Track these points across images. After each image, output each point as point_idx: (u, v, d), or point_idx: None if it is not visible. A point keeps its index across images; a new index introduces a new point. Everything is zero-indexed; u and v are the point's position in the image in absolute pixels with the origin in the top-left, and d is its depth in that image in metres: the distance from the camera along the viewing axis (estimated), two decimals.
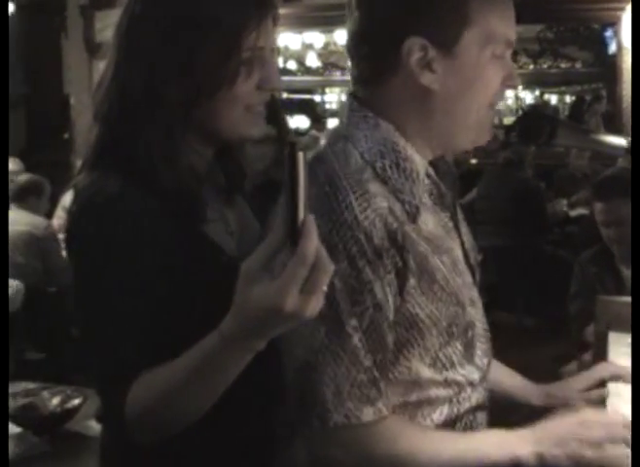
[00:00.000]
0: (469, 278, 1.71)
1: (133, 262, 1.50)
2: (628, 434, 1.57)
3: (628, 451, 1.55)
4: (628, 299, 2.77)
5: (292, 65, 13.81)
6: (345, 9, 1.70)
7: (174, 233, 1.55)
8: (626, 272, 3.76)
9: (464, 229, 1.79)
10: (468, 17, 1.59)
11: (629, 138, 1.77)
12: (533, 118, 1.87)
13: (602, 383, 2.02)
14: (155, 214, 1.55)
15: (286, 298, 1.20)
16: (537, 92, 15.20)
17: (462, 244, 1.74)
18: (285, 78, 11.33)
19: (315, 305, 1.23)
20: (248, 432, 1.68)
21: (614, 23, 10.04)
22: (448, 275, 1.62)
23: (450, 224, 1.71)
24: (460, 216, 1.78)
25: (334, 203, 1.50)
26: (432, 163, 1.69)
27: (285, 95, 12.21)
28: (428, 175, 1.65)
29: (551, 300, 4.76)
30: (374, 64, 1.64)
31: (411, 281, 1.55)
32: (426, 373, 1.64)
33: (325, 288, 1.23)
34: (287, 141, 1.13)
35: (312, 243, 1.18)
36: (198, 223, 1.60)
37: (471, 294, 1.70)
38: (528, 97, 14.77)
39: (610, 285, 3.67)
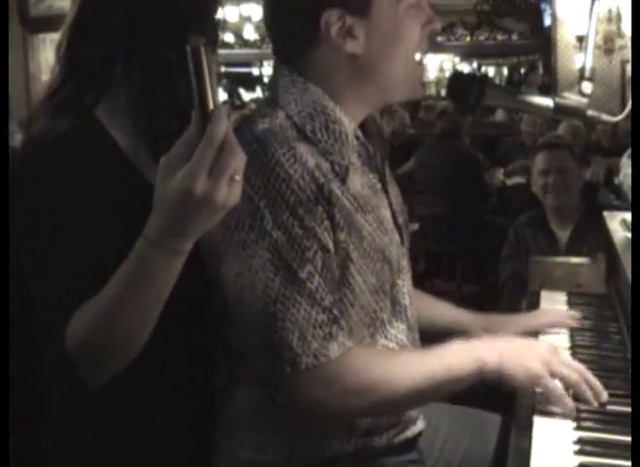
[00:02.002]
0: (396, 238, 1.77)
1: (80, 199, 1.52)
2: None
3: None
4: (561, 258, 2.85)
5: (229, 38, 13.72)
6: None
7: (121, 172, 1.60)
8: (560, 233, 3.85)
9: (393, 191, 1.85)
10: None
11: (557, 98, 1.82)
12: (462, 79, 1.90)
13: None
14: (103, 156, 1.59)
15: (195, 180, 1.24)
16: (474, 64, 15.28)
17: (390, 205, 1.79)
18: (223, 51, 11.24)
19: (227, 191, 1.27)
20: (191, 389, 1.71)
21: None
22: (374, 233, 1.68)
23: (379, 185, 1.77)
24: (389, 178, 1.83)
25: (264, 160, 1.55)
26: (362, 126, 1.74)
27: (223, 69, 12.14)
28: (357, 137, 1.70)
29: (490, 266, 4.83)
30: (297, 38, 1.69)
31: (340, 235, 1.60)
32: (361, 335, 1.70)
33: (239, 177, 1.27)
34: (190, 39, 1.18)
35: (220, 127, 1.23)
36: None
37: (398, 253, 1.76)
38: (465, 69, 14.83)
39: (544, 247, 3.76)
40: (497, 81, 14.34)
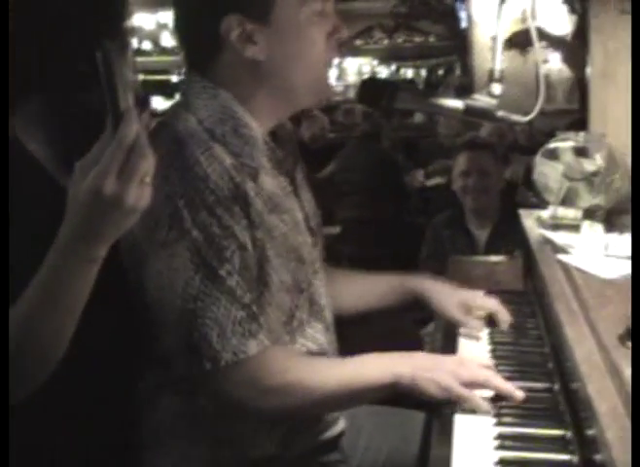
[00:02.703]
0: (309, 240, 1.80)
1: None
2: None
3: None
4: (479, 257, 2.89)
5: (147, 46, 13.63)
6: None
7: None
8: (478, 233, 3.90)
9: (305, 195, 1.88)
10: None
11: (466, 100, 1.85)
12: (373, 83, 1.93)
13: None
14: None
15: (104, 180, 1.24)
16: (393, 67, 15.40)
17: (302, 209, 1.82)
18: (140, 59, 11.17)
19: (137, 193, 1.27)
20: (114, 401, 1.70)
21: None
22: (289, 232, 1.71)
23: (289, 188, 1.80)
24: (302, 182, 1.87)
25: (183, 160, 1.58)
26: (273, 132, 1.77)
27: (142, 76, 12.05)
28: (266, 142, 1.72)
29: (412, 267, 4.86)
30: (201, 44, 1.72)
31: (257, 233, 1.63)
32: (280, 334, 1.72)
33: (149, 180, 1.28)
34: (100, 45, 1.19)
35: (129, 129, 1.24)
36: None
37: (311, 254, 1.79)
38: (384, 72, 14.96)
39: (462, 247, 3.80)
40: (416, 82, 14.48)
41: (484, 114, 1.85)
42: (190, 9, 1.72)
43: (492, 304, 2.20)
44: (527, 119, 1.91)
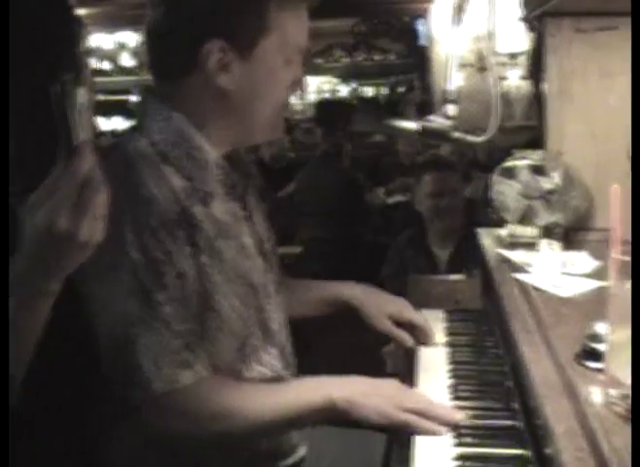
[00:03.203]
0: (261, 264, 1.79)
1: None
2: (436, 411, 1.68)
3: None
4: (439, 276, 2.90)
5: (106, 66, 13.57)
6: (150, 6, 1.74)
7: None
8: (439, 253, 3.91)
9: (258, 219, 1.88)
10: (267, 25, 1.68)
11: (422, 122, 1.86)
12: (330, 106, 1.94)
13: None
14: None
15: (57, 214, 1.23)
16: (353, 85, 15.43)
17: (255, 233, 1.81)
18: (99, 79, 11.10)
19: (91, 228, 1.25)
20: (69, 437, 1.68)
21: (423, 15, 10.29)
22: (237, 257, 1.71)
23: (241, 213, 1.80)
24: (255, 205, 1.87)
25: (131, 181, 1.56)
26: (228, 157, 1.77)
27: (101, 97, 12.00)
28: (220, 166, 1.71)
29: (374, 286, 4.86)
30: (175, 62, 1.73)
31: (202, 258, 1.62)
32: (232, 361, 1.71)
33: (102, 211, 1.27)
34: (58, 79, 1.18)
35: (82, 162, 1.22)
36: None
37: (265, 279, 1.78)
38: (344, 90, 14.97)
39: (424, 265, 3.81)
40: (378, 100, 14.52)
41: (440, 135, 1.86)
42: (178, 21, 1.72)
43: (419, 319, 2.22)
44: (482, 139, 1.93)
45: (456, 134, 1.86)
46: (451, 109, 1.85)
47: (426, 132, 1.85)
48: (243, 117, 1.75)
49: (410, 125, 1.87)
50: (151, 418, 1.60)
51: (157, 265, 1.58)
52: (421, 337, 2.19)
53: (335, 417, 1.68)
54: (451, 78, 1.92)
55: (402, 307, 2.23)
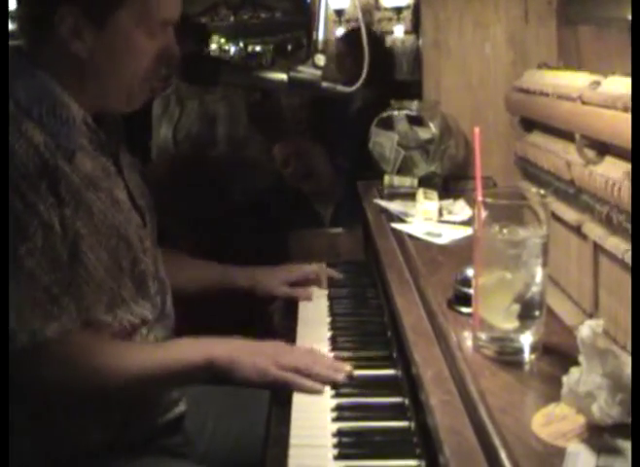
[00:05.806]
0: (137, 219, 1.78)
1: None
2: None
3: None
4: (318, 230, 2.89)
5: None
6: None
7: None
8: (320, 210, 3.90)
9: (130, 174, 1.86)
10: None
11: (290, 72, 1.84)
12: (197, 60, 1.90)
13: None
14: None
15: None
16: (241, 44, 15.33)
17: (127, 188, 1.79)
18: None
19: None
20: None
21: None
22: (107, 210, 1.71)
23: (112, 168, 1.79)
24: (128, 163, 1.86)
25: None
26: (98, 114, 1.76)
27: None
28: (87, 123, 1.69)
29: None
30: (34, 26, 1.72)
31: (66, 211, 1.60)
32: (99, 313, 1.68)
33: None
34: None
35: None
36: None
37: (139, 233, 1.77)
38: (232, 49, 14.88)
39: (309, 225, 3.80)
40: (265, 58, 14.46)
41: (309, 85, 1.84)
42: None
43: (310, 269, 2.31)
44: (351, 89, 1.91)
45: (325, 84, 1.84)
46: (320, 59, 1.83)
47: (294, 82, 1.82)
48: (98, 84, 1.73)
49: (279, 75, 1.84)
50: (21, 370, 1.57)
51: (19, 215, 1.55)
52: (317, 283, 2.29)
53: (215, 376, 1.68)
54: (322, 28, 1.89)
55: (288, 271, 2.30)
